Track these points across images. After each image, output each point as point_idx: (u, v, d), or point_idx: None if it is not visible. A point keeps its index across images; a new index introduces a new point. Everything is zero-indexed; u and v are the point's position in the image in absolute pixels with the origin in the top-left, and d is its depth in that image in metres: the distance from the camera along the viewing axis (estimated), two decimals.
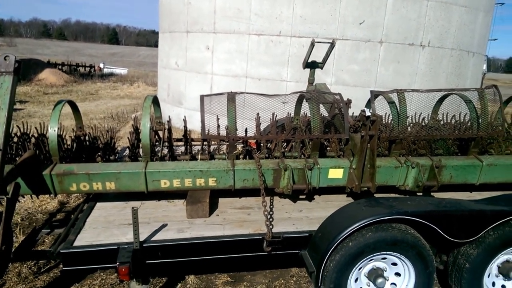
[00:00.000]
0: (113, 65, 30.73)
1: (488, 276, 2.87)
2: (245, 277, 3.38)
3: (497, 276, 2.91)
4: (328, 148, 3.69)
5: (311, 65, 4.55)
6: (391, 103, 3.41)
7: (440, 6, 6.27)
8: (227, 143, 3.25)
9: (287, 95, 3.22)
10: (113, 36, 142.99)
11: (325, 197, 3.48)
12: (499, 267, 2.88)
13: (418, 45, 6.31)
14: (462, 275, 2.76)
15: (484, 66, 11.74)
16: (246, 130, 3.55)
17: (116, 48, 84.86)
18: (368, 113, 2.92)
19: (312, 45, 4.21)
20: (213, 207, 3.19)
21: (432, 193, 3.46)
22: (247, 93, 3.19)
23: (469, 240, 2.67)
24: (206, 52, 7.32)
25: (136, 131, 3.58)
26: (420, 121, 4.10)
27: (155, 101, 3.63)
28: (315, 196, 3.48)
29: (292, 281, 3.35)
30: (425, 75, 6.49)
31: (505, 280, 2.91)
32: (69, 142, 3.27)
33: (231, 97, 3.14)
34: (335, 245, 2.52)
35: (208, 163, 3.10)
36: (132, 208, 2.50)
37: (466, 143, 3.68)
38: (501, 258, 2.85)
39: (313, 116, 3.17)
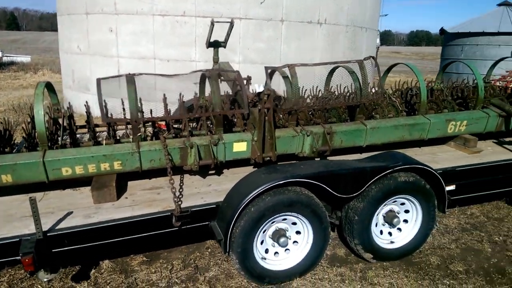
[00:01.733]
0: (13, 52, 27.51)
1: (376, 225, 3.31)
2: (161, 255, 3.47)
3: (383, 225, 3.36)
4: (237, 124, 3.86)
5: (214, 45, 4.64)
6: (285, 77, 3.66)
7: None
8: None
9: (186, 74, 3.29)
10: (11, 21, 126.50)
11: (233, 170, 3.66)
12: (384, 217, 3.33)
13: (316, 23, 6.72)
14: (353, 227, 3.15)
15: (378, 40, 12.85)
16: (151, 112, 3.55)
17: (16, 34, 75.53)
18: (261, 88, 3.12)
19: (212, 24, 4.29)
20: (121, 190, 3.18)
21: (328, 157, 3.83)
22: (145, 74, 3.19)
23: (354, 194, 3.04)
24: (110, 35, 6.97)
25: (33, 120, 3.38)
26: (317, 93, 4.47)
27: (50, 88, 3.45)
28: (224, 170, 3.64)
29: (207, 253, 3.51)
30: (324, 50, 6.97)
31: (390, 228, 3.37)
32: None
33: (130, 78, 3.12)
34: (238, 212, 2.72)
35: (112, 147, 3.07)
36: (30, 198, 2.41)
37: (354, 110, 4.10)
38: (385, 208, 3.30)
39: (213, 94, 3.29)
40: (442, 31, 17.41)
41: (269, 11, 6.35)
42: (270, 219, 2.86)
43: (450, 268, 3.26)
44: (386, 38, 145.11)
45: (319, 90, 4.50)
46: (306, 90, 4.39)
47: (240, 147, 3.37)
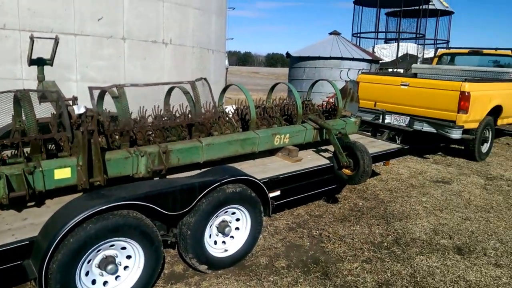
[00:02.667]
0: None
1: (210, 236, 3.44)
2: None
3: (217, 235, 3.51)
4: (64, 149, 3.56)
5: (38, 62, 4.24)
6: (115, 97, 3.56)
7: (175, 7, 6.89)
8: None
9: None
10: None
11: (59, 199, 3.33)
12: (217, 227, 3.48)
13: (161, 43, 6.77)
14: (187, 242, 3.21)
15: (226, 62, 13.69)
16: None
17: None
18: (82, 110, 2.96)
19: (32, 40, 3.93)
20: None
21: (168, 176, 3.82)
22: None
23: (185, 210, 3.11)
24: None
25: None
26: (159, 112, 4.47)
27: None
28: (46, 200, 3.29)
29: None
30: (172, 70, 7.05)
31: (224, 237, 3.55)
32: None
33: None
34: (54, 245, 2.49)
35: None
36: None
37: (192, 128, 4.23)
38: (217, 219, 3.46)
39: (26, 117, 2.99)
40: (288, 54, 19.48)
41: (109, 28, 6.13)
42: (94, 247, 2.70)
43: (275, 265, 3.59)
44: (247, 59, 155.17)
45: (160, 110, 4.51)
46: (146, 110, 4.35)
47: (63, 173, 3.12)
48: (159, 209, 2.95)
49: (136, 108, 4.21)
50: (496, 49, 9.53)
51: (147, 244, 2.94)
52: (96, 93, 3.91)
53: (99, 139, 3.54)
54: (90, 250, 2.68)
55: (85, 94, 4.03)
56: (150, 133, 4.11)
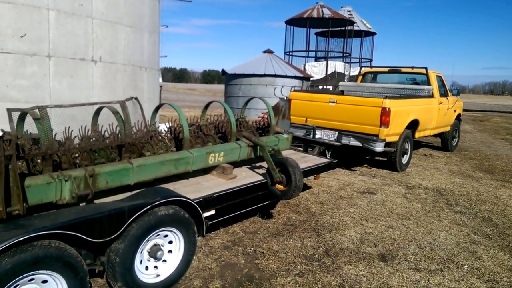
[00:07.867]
0: None
1: (141, 262, 3.33)
2: None
3: (148, 260, 3.40)
4: None
5: None
6: (36, 119, 3.37)
7: (105, 24, 6.70)
8: None
9: None
10: None
11: None
12: (149, 252, 3.38)
13: (90, 60, 6.51)
14: (115, 270, 3.08)
15: (160, 79, 13.54)
16: None
17: None
18: None
19: None
20: None
21: (95, 201, 3.65)
22: None
23: (113, 236, 3.00)
24: None
25: None
26: (87, 133, 4.28)
27: None
28: None
29: None
30: (102, 88, 6.79)
31: (156, 261, 3.45)
32: None
33: None
34: None
35: None
36: None
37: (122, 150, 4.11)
38: (148, 244, 3.36)
39: None
40: (223, 71, 19.72)
41: (33, 46, 5.78)
42: (10, 284, 2.50)
43: (209, 287, 3.57)
44: (183, 76, 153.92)
45: (88, 131, 4.34)
46: (72, 131, 4.16)
47: None
48: (84, 237, 2.81)
49: (62, 130, 4.02)
50: (412, 67, 10.43)
51: (71, 276, 2.78)
52: (16, 115, 3.70)
53: (19, 163, 3.33)
54: (6, 287, 2.48)
55: (4, 116, 3.77)
56: (77, 155, 3.94)
